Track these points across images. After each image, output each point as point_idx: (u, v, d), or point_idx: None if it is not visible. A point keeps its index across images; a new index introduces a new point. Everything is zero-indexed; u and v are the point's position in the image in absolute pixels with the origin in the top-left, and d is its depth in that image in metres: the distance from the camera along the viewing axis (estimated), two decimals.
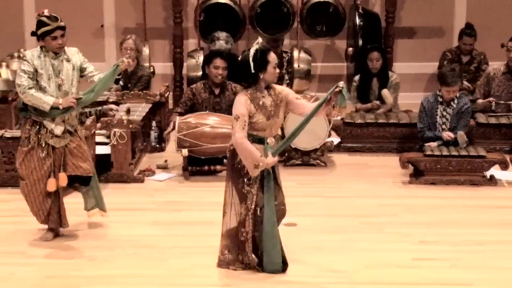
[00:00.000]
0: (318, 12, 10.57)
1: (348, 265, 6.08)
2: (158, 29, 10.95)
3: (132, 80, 9.14)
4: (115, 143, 7.88)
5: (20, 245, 6.44)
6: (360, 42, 10.32)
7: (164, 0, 10.91)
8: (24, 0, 10.88)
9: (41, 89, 6.24)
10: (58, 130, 6.34)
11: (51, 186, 6.37)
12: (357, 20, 10.39)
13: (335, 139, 8.86)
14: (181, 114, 8.25)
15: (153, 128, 8.95)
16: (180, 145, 8.00)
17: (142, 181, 7.96)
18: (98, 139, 8.05)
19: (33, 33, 6.33)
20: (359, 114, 9.14)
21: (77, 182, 6.53)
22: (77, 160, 6.43)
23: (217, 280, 5.86)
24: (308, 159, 8.51)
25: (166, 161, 8.46)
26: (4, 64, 9.73)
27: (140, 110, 8.52)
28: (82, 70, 6.42)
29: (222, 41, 9.62)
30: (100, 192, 6.65)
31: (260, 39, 5.83)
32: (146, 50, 10.19)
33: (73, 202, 7.31)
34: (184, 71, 10.58)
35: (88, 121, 7.73)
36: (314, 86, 11.00)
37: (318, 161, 8.52)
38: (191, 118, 8.06)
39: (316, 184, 7.97)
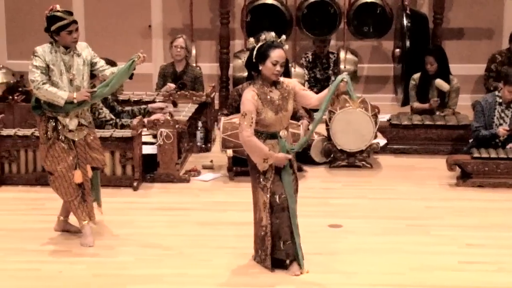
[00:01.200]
0: (365, 13, 10.52)
1: (394, 268, 6.05)
2: (205, 29, 10.99)
3: (183, 81, 9.16)
4: (162, 143, 7.92)
5: (67, 243, 6.50)
6: (408, 44, 10.25)
7: (211, 1, 10.95)
8: (73, 0, 10.98)
9: (54, 84, 6.26)
10: (72, 125, 6.37)
11: (78, 177, 6.41)
12: (405, 21, 10.32)
13: (381, 141, 8.81)
14: (227, 115, 8.26)
15: (199, 128, 8.99)
16: (225, 145, 8.02)
17: (188, 181, 8.00)
18: (145, 139, 8.10)
19: (46, 29, 6.34)
20: (405, 115, 9.08)
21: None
22: (94, 152, 6.51)
23: (263, 280, 5.86)
24: (354, 160, 8.48)
25: (211, 161, 8.48)
26: None
27: (186, 110, 8.56)
28: (92, 64, 6.44)
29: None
30: (99, 186, 6.70)
31: (272, 33, 5.94)
32: (193, 51, 10.24)
33: (119, 202, 7.41)
34: (230, 72, 10.61)
35: (135, 121, 7.78)
36: (360, 88, 10.95)
37: (364, 163, 8.49)
38: (236, 119, 8.06)
39: (362, 186, 7.94)
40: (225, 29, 10.59)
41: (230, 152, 8.01)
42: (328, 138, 8.51)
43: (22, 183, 7.81)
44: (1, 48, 11.01)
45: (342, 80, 5.70)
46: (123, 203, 7.39)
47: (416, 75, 9.26)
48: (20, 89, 9.56)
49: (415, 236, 6.66)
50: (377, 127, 8.43)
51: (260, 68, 5.76)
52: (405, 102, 9.94)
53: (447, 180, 8.04)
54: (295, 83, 5.95)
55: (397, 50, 10.55)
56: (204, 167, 8.38)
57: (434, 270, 6.02)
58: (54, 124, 6.34)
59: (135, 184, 7.74)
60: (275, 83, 5.82)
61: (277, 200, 5.83)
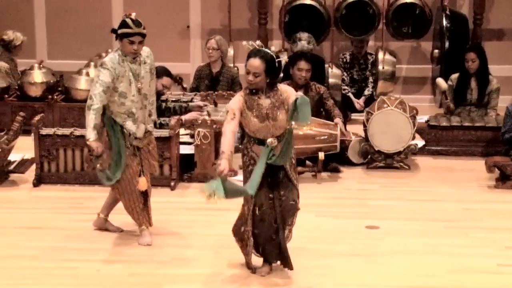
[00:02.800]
0: (404, 13, 10.46)
1: (431, 270, 6.01)
2: (243, 30, 11.00)
3: (219, 81, 9.19)
4: (199, 143, 7.94)
5: (106, 242, 6.54)
6: (447, 44, 10.17)
7: (250, 1, 10.96)
8: (113, 1, 11.06)
9: (120, 95, 6.26)
10: (139, 132, 6.40)
11: (143, 185, 6.44)
12: (444, 22, 10.25)
13: (419, 142, 8.76)
14: None
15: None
16: None
17: None
18: (182, 139, 8.12)
19: (113, 30, 6.36)
20: (444, 117, 9.01)
21: None
22: (153, 159, 6.56)
23: (297, 280, 5.85)
24: (392, 161, 8.43)
25: None
26: (92, 64, 9.91)
27: (224, 110, 8.57)
28: None
29: (304, 41, 9.60)
30: None
31: (258, 42, 5.90)
32: (231, 51, 10.25)
33: (157, 201, 7.42)
34: None
35: (173, 121, 7.81)
36: (398, 89, 10.90)
37: (402, 164, 8.44)
38: None
39: (399, 187, 7.90)
40: (263, 30, 10.59)
41: None
42: (366, 139, 8.47)
43: (61, 182, 7.88)
44: (42, 48, 11.12)
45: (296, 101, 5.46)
46: (161, 202, 7.41)
47: (454, 76, 9.17)
48: (59, 88, 9.66)
49: (453, 238, 6.61)
50: (415, 128, 8.38)
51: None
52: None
53: (485, 182, 7.97)
54: (291, 94, 5.72)
55: (436, 51, 10.48)
56: (241, 167, 8.37)
57: (472, 272, 5.97)
58: (121, 130, 6.35)
59: (172, 183, 7.77)
60: (266, 92, 5.74)
61: (257, 212, 5.81)
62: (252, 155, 5.80)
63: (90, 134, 6.20)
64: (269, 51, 5.78)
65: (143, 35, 6.30)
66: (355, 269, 6.04)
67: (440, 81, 9.15)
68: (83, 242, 6.53)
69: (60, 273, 5.97)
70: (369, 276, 5.92)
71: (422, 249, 6.39)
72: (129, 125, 6.34)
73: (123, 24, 6.28)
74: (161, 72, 8.02)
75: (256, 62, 5.65)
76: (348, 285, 5.81)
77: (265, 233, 5.85)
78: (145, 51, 6.42)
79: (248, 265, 5.99)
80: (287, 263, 5.92)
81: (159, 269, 6.05)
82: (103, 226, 6.76)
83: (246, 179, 5.81)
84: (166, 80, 8.10)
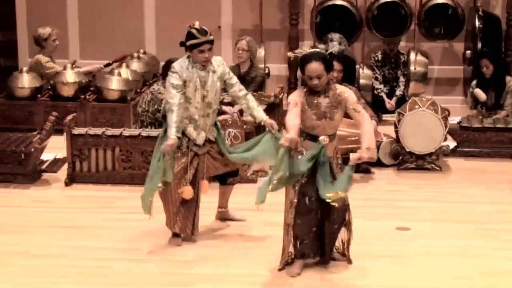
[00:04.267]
0: (437, 14, 10.41)
1: (462, 272, 5.98)
2: (274, 30, 11.01)
3: (246, 81, 9.21)
4: (230, 143, 7.95)
5: (136, 241, 6.58)
6: (479, 46, 10.11)
7: (281, 2, 10.96)
8: (145, 1, 11.11)
9: (187, 99, 6.31)
10: (200, 139, 6.44)
11: (188, 194, 6.43)
12: (477, 23, 10.19)
13: (451, 143, 8.72)
14: None
15: (266, 129, 8.98)
16: None
17: (255, 181, 8.01)
18: None
19: (182, 44, 6.40)
20: (476, 118, 8.96)
21: (228, 177, 6.74)
22: (218, 162, 6.57)
23: (328, 282, 5.85)
24: (423, 163, 8.40)
25: None
26: (124, 64, 9.97)
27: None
28: (225, 82, 6.50)
29: (335, 42, 9.60)
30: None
31: (321, 45, 5.99)
32: (261, 51, 10.26)
33: None
34: (299, 73, 10.60)
35: None
36: (430, 89, 10.85)
37: (433, 165, 8.40)
38: None
39: (431, 189, 7.86)
40: (294, 30, 10.59)
41: None
42: (397, 140, 8.44)
43: (93, 181, 7.93)
44: (74, 48, 11.20)
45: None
46: None
47: (473, 82, 9.25)
48: (91, 88, 9.72)
49: (484, 241, 6.57)
50: (447, 129, 8.34)
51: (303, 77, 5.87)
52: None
53: None
54: (350, 96, 5.85)
55: (468, 52, 10.42)
56: (271, 168, 8.38)
57: (504, 275, 5.93)
58: (182, 135, 6.38)
59: None
60: (325, 91, 5.82)
61: (307, 201, 5.86)
62: (301, 150, 5.85)
63: (171, 130, 6.23)
64: (317, 49, 5.91)
65: (211, 42, 6.34)
66: (386, 270, 6.02)
67: (479, 92, 9.14)
68: (115, 241, 6.57)
69: (92, 272, 6.01)
70: (400, 277, 5.90)
71: (453, 251, 6.36)
72: (190, 131, 6.39)
73: (190, 36, 6.33)
74: None
75: (315, 65, 5.73)
76: (379, 286, 5.80)
77: (307, 224, 5.89)
78: (217, 60, 6.47)
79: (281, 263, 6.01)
80: (325, 258, 5.97)
81: (190, 269, 6.07)
82: (226, 217, 6.91)
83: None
84: None
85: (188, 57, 6.37)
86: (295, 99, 5.78)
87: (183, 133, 6.39)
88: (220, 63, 6.46)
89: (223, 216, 6.98)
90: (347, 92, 5.87)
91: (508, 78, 9.18)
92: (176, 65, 6.34)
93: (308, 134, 5.84)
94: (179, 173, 6.42)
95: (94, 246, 6.47)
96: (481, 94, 9.13)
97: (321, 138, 5.80)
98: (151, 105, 8.00)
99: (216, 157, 6.56)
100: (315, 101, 5.80)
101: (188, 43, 6.33)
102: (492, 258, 6.22)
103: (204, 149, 6.49)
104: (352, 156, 5.71)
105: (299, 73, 10.46)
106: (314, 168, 5.82)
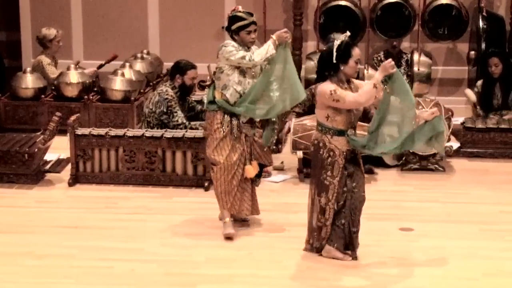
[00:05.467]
0: (441, 14, 10.39)
1: (466, 273, 5.97)
2: (278, 30, 10.97)
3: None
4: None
5: (140, 242, 6.58)
6: (483, 46, 10.09)
7: (285, 2, 10.95)
8: (148, 2, 11.11)
9: (241, 72, 6.52)
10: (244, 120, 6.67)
11: (250, 172, 6.63)
12: (481, 23, 10.16)
13: (455, 144, 8.70)
14: (299, 114, 8.28)
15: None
16: (295, 147, 8.02)
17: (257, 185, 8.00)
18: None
19: (227, 28, 6.63)
20: (480, 119, 8.95)
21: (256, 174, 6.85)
22: (261, 149, 6.76)
23: (333, 282, 5.84)
24: (427, 163, 8.39)
25: (282, 162, 8.48)
26: (127, 64, 9.97)
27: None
28: None
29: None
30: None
31: (348, 33, 6.02)
32: None
33: (191, 202, 7.46)
34: (302, 74, 10.59)
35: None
36: (434, 90, 10.82)
37: (437, 166, 8.39)
38: (307, 121, 8.06)
39: (434, 189, 7.85)
40: (298, 31, 10.57)
41: (300, 153, 8.01)
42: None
43: (96, 181, 7.93)
44: (78, 49, 11.20)
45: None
46: (195, 203, 7.45)
47: (479, 82, 9.21)
48: (95, 89, 9.72)
49: (488, 241, 6.56)
50: (451, 130, 8.33)
51: (342, 68, 5.88)
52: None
53: None
54: (361, 82, 6.09)
55: (472, 52, 10.40)
56: (275, 169, 8.39)
57: (508, 276, 5.92)
58: (229, 119, 6.55)
59: (206, 184, 7.78)
60: (348, 81, 5.93)
61: (351, 195, 5.99)
62: (331, 147, 5.93)
63: (271, 48, 6.47)
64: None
65: (256, 23, 6.61)
66: (389, 271, 6.01)
67: (469, 92, 9.14)
68: (118, 241, 6.57)
69: (96, 272, 6.01)
70: (403, 278, 5.89)
71: (457, 251, 6.35)
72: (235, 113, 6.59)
73: (236, 18, 6.57)
74: (184, 67, 8.08)
75: (359, 50, 6.00)
76: (382, 286, 5.79)
77: (348, 217, 6.04)
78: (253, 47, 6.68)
79: (317, 248, 6.15)
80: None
81: (193, 269, 6.07)
82: (238, 217, 6.91)
83: (327, 172, 5.94)
84: (191, 73, 8.13)
85: (234, 40, 6.56)
86: (333, 85, 5.86)
87: (232, 116, 6.55)
88: (255, 48, 6.64)
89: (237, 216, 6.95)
90: (362, 83, 6.08)
91: None
92: (228, 41, 6.57)
93: (335, 130, 5.92)
94: (232, 154, 6.57)
95: (98, 246, 6.47)
96: (471, 95, 9.10)
97: (349, 132, 5.94)
98: (158, 106, 8.01)
99: (259, 143, 6.77)
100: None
101: (235, 25, 6.55)
102: (496, 259, 6.21)
103: (252, 130, 6.68)
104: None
105: (303, 73, 10.47)
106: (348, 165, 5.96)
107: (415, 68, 10.20)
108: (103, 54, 10.70)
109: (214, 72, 6.71)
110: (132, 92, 9.50)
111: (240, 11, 6.59)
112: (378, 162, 8.34)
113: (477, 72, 10.11)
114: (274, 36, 6.55)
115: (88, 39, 11.16)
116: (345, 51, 5.87)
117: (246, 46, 6.56)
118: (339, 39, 5.95)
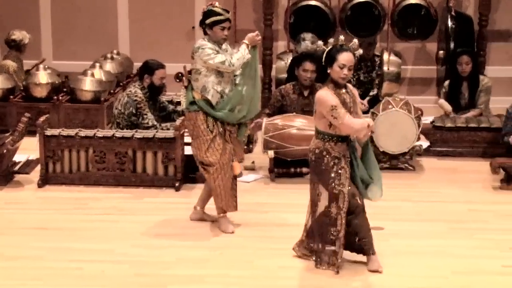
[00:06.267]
0: (410, 14, 10.45)
1: (436, 271, 6.01)
2: (248, 31, 10.89)
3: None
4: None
5: (110, 243, 6.55)
6: (452, 45, 10.16)
7: (255, 2, 10.96)
8: (118, 2, 11.07)
9: (219, 73, 6.54)
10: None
11: (237, 169, 6.73)
12: (450, 23, 10.24)
13: (424, 143, 8.75)
14: (269, 115, 8.28)
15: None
16: (267, 146, 8.02)
17: None
18: (187, 139, 8.11)
19: (200, 22, 6.63)
20: (449, 118, 9.01)
21: None
22: (237, 145, 6.82)
23: (304, 282, 5.85)
24: (397, 162, 8.43)
25: (253, 162, 8.48)
26: (97, 65, 9.92)
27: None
28: None
29: (307, 41, 9.61)
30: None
31: (356, 41, 6.10)
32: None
33: (162, 202, 7.44)
34: (273, 73, 10.61)
35: (178, 122, 7.82)
36: (404, 89, 10.89)
37: (407, 165, 8.43)
38: (278, 120, 8.07)
39: (405, 188, 7.89)
40: (269, 31, 10.58)
41: (271, 153, 8.00)
42: (371, 140, 8.45)
43: (66, 182, 7.89)
44: (47, 49, 11.13)
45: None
46: (165, 203, 7.43)
47: (446, 83, 9.27)
48: (65, 89, 9.67)
49: (458, 240, 6.60)
50: (420, 129, 8.37)
51: (329, 71, 5.86)
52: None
53: (491, 183, 7.96)
54: (357, 92, 6.07)
55: (441, 52, 10.47)
56: (246, 168, 8.39)
57: (477, 274, 5.96)
58: (212, 118, 6.56)
59: (177, 184, 7.77)
60: (345, 86, 5.91)
61: (359, 201, 5.97)
62: (335, 155, 5.87)
63: (245, 51, 6.57)
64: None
65: (230, 21, 6.64)
66: (360, 270, 6.03)
67: (444, 103, 9.16)
68: (88, 242, 6.54)
69: (65, 274, 5.98)
70: (374, 277, 5.91)
71: (427, 250, 6.39)
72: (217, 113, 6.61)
73: (212, 13, 6.59)
74: (153, 66, 8.06)
75: (351, 56, 5.86)
76: (353, 286, 5.81)
77: (365, 222, 6.02)
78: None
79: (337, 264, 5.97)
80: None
81: (164, 270, 6.05)
82: (202, 217, 6.95)
83: (331, 180, 5.86)
84: (160, 73, 8.11)
85: (207, 38, 6.58)
86: (337, 102, 5.79)
87: (214, 117, 6.57)
88: (226, 44, 6.70)
89: (201, 216, 6.98)
90: (355, 90, 6.03)
91: (481, 77, 9.24)
92: (201, 42, 6.57)
93: (338, 137, 5.86)
94: (224, 153, 6.60)
95: (68, 248, 6.43)
96: (447, 106, 9.12)
97: (351, 137, 5.90)
98: (127, 107, 7.99)
99: (237, 141, 6.81)
100: (342, 98, 5.86)
101: (210, 20, 6.56)
102: (465, 257, 6.25)
103: (234, 127, 6.71)
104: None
105: (273, 73, 10.48)
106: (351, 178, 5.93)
107: (385, 68, 10.24)
108: (72, 54, 10.66)
109: (189, 72, 6.70)
110: (102, 92, 9.46)
111: (216, 6, 6.62)
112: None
113: (446, 71, 10.18)
114: (246, 40, 6.60)
115: (57, 39, 11.10)
116: (332, 55, 5.83)
117: (218, 42, 6.58)
118: (331, 43, 5.99)
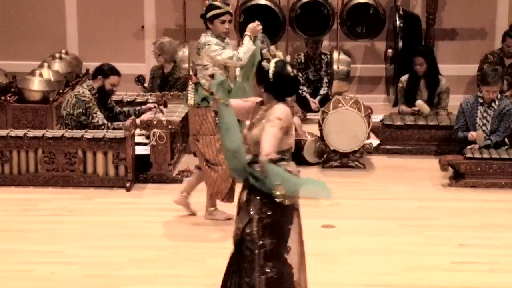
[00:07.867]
0: (358, 13, 10.52)
1: (387, 268, 6.06)
2: (199, 30, 10.89)
3: (169, 82, 9.19)
4: (155, 143, 7.91)
5: (60, 244, 6.50)
6: (400, 44, 10.25)
7: (204, 1, 10.93)
8: (66, 1, 10.97)
9: (226, 68, 6.58)
10: None
11: None
12: (397, 22, 10.32)
13: (374, 141, 8.82)
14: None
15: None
16: None
17: (181, 181, 7.98)
18: (138, 139, 8.09)
19: (202, 16, 6.68)
20: (398, 116, 9.09)
21: None
22: None
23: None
24: (347, 161, 8.48)
25: None
26: (46, 64, 9.81)
27: (179, 111, 8.55)
28: None
29: (257, 41, 9.60)
30: None
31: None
32: (185, 51, 10.22)
33: (112, 202, 7.40)
34: None
35: (128, 122, 7.78)
36: (353, 88, 10.95)
37: (357, 163, 8.49)
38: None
39: (355, 186, 7.94)
40: None
41: None
42: (321, 139, 8.51)
43: (15, 184, 7.80)
44: None
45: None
46: (116, 203, 7.39)
47: (404, 77, 9.29)
48: (13, 89, 9.54)
49: (408, 237, 6.67)
50: (370, 127, 8.43)
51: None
52: (396, 102, 9.94)
53: (440, 180, 8.05)
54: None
55: (390, 50, 10.55)
56: (197, 168, 8.36)
57: (427, 270, 6.03)
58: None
59: (128, 184, 7.73)
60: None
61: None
62: (296, 173, 5.28)
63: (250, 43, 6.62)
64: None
65: (231, 14, 6.70)
66: (311, 268, 6.04)
67: (422, 105, 9.11)
68: (38, 244, 6.48)
69: (15, 276, 5.92)
70: (325, 275, 5.94)
71: (377, 247, 6.44)
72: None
73: (212, 7, 6.65)
74: (108, 71, 8.02)
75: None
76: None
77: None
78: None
79: None
80: None
81: (115, 271, 6.02)
82: (185, 204, 6.96)
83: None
84: (114, 79, 8.06)
85: (210, 33, 6.63)
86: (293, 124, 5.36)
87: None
88: (227, 39, 6.76)
89: (185, 203, 7.01)
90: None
91: (440, 77, 9.24)
92: (206, 38, 6.62)
93: (291, 154, 5.11)
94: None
95: (17, 250, 6.37)
96: (425, 108, 9.09)
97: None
98: (76, 108, 7.93)
99: None
100: None
101: (210, 13, 6.61)
102: (415, 254, 6.32)
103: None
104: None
105: None
106: None
107: (335, 66, 10.29)
108: (19, 55, 10.53)
109: (194, 69, 6.68)
110: (50, 92, 9.35)
111: (217, 0, 6.69)
112: (300, 161, 8.39)
113: (395, 70, 10.26)
114: (248, 32, 6.63)
115: (4, 38, 10.96)
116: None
117: (220, 36, 6.64)
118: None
